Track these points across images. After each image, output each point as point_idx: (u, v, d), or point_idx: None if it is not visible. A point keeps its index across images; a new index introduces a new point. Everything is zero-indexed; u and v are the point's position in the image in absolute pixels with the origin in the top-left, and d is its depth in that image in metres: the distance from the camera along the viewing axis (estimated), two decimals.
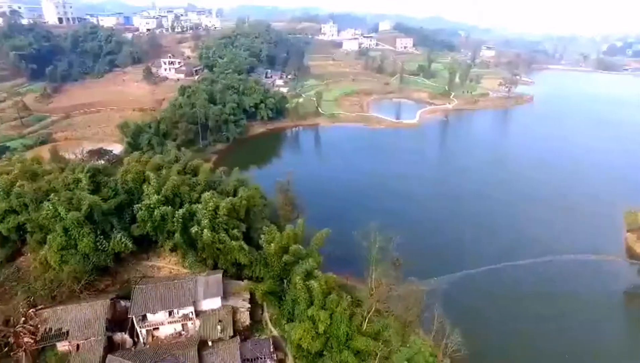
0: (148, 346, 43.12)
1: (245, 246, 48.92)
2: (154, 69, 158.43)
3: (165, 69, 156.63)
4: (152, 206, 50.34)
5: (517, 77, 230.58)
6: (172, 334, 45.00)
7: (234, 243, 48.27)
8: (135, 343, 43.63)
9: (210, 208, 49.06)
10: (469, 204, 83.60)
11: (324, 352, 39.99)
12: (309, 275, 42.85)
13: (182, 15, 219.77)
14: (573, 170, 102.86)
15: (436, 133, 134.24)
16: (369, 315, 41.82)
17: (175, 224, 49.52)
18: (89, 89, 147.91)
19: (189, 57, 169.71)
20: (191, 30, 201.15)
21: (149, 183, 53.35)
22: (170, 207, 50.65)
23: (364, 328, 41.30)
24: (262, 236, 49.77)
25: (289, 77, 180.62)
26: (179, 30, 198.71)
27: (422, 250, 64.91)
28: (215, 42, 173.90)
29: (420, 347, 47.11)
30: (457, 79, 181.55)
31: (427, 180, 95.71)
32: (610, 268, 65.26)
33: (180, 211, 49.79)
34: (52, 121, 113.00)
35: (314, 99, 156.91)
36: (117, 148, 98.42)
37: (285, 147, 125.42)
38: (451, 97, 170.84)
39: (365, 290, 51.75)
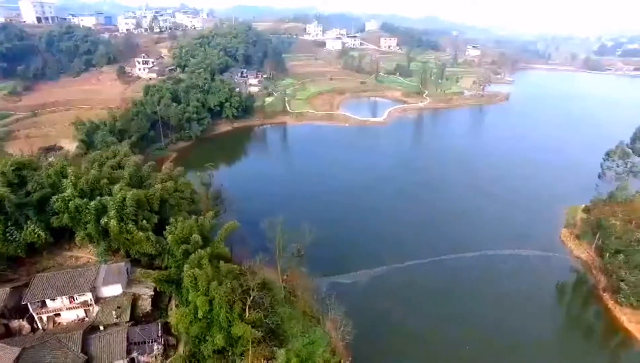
0: (45, 332, 45.02)
1: (153, 237, 50.71)
2: (128, 69, 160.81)
3: (139, 69, 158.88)
4: (67, 198, 52.37)
5: (498, 76, 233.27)
6: (74, 320, 46.91)
7: (140, 233, 50.15)
8: (34, 330, 45.53)
9: (118, 200, 50.96)
10: (409, 200, 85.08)
11: (207, 337, 41.76)
12: (199, 264, 44.63)
13: (162, 15, 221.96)
14: (522, 169, 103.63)
15: (400, 131, 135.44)
16: (250, 302, 43.43)
17: (89, 215, 51.54)
18: (64, 88, 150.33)
19: (164, 57, 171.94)
20: (170, 30, 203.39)
21: (67, 177, 55.39)
22: (85, 199, 52.68)
23: (247, 315, 42.99)
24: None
25: (264, 76, 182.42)
26: (157, 30, 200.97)
27: (348, 244, 67.35)
28: (191, 42, 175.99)
29: (319, 337, 48.73)
30: (432, 78, 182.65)
31: (370, 178, 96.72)
32: (544, 263, 66.19)
33: (93, 202, 51.73)
34: (16, 119, 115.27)
35: (286, 97, 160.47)
36: (75, 146, 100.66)
37: (246, 145, 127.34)
38: (424, 95, 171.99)
39: (277, 279, 53.83)
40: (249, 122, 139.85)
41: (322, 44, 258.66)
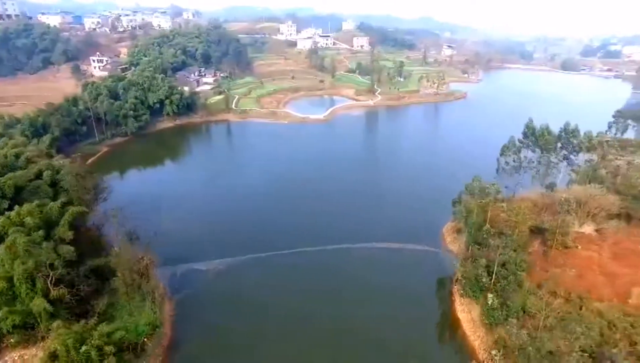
0: None
1: None
2: (84, 67, 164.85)
3: (95, 67, 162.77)
4: None
5: (466, 75, 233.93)
6: None
7: None
8: None
9: None
10: (312, 194, 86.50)
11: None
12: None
13: (127, 15, 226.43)
14: (441, 163, 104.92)
15: (336, 128, 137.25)
16: (55, 278, 45.76)
17: None
18: (18, 85, 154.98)
19: (119, 56, 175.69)
20: (132, 30, 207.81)
21: None
22: None
23: (53, 293, 45.34)
24: None
25: (221, 75, 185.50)
26: (121, 30, 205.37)
27: (229, 233, 70.55)
28: (148, 41, 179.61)
29: (145, 315, 51.01)
30: (388, 76, 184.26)
31: (281, 171, 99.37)
32: (434, 257, 66.53)
33: None
34: None
35: (236, 96, 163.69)
36: None
37: (180, 140, 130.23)
38: (376, 93, 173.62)
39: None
40: (191, 119, 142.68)
41: (294, 44, 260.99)
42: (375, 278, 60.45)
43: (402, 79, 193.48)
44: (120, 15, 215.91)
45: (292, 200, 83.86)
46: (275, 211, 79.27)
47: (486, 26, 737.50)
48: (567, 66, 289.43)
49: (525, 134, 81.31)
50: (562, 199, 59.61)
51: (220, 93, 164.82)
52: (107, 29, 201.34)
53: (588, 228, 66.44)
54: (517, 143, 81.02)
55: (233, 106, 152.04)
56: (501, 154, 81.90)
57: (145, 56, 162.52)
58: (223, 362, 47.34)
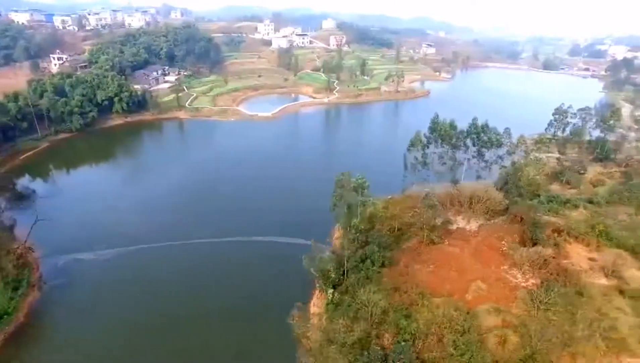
0: None
1: None
2: (44, 64, 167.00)
3: (55, 65, 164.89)
4: None
5: (437, 73, 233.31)
6: None
7: None
8: None
9: None
10: (217, 191, 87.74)
11: None
12: None
13: (97, 14, 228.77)
14: (370, 158, 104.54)
15: (279, 126, 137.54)
16: None
17: None
18: None
19: (80, 54, 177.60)
20: (104, 28, 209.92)
21: None
22: None
23: None
24: None
25: (184, 74, 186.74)
26: (89, 28, 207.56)
27: (129, 224, 72.46)
28: (112, 40, 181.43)
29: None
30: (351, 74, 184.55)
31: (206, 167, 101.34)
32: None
33: None
34: None
35: (194, 94, 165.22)
36: None
37: (123, 138, 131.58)
38: (334, 91, 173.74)
39: None
40: (143, 116, 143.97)
41: (270, 43, 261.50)
42: (251, 272, 61.42)
43: (367, 77, 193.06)
44: (89, 14, 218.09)
45: (205, 197, 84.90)
46: (184, 207, 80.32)
47: (484, 26, 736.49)
48: (548, 66, 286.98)
49: (431, 130, 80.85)
50: (425, 194, 59.41)
51: (177, 91, 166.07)
52: (76, 28, 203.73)
53: (474, 224, 66.19)
54: (423, 139, 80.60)
55: (186, 105, 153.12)
56: (408, 150, 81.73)
57: (105, 55, 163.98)
58: (64, 350, 48.26)
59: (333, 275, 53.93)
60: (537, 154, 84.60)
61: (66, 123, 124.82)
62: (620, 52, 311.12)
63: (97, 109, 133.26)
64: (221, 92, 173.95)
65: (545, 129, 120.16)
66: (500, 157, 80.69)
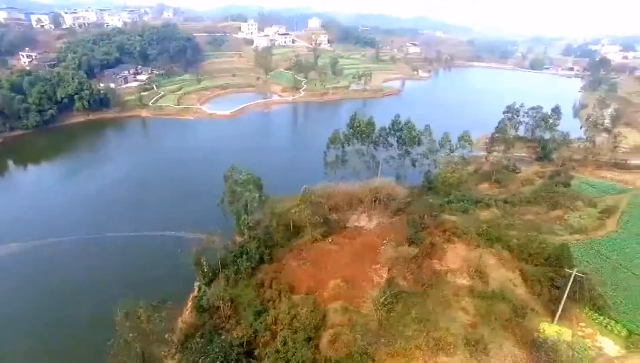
0: None
1: None
2: (14, 62, 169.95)
3: (24, 62, 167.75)
4: None
5: (416, 72, 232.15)
6: None
7: None
8: None
9: None
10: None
11: None
12: None
13: (74, 12, 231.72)
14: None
15: (232, 124, 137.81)
16: None
17: None
18: None
19: (50, 52, 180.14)
20: (81, 27, 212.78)
21: None
22: None
23: None
24: None
25: (155, 73, 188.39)
26: (66, 27, 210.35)
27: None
28: (85, 38, 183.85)
29: None
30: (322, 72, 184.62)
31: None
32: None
33: None
34: None
35: (161, 92, 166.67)
36: None
37: (80, 135, 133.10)
38: (301, 90, 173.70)
39: None
40: (105, 114, 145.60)
41: (251, 42, 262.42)
42: (147, 267, 61.71)
43: (337, 76, 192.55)
44: (66, 13, 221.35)
45: (131, 192, 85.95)
46: (107, 202, 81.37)
47: (485, 26, 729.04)
48: (534, 65, 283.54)
49: (350, 127, 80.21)
50: (303, 191, 59.12)
51: (145, 90, 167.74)
52: (52, 26, 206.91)
53: (375, 222, 65.61)
54: (341, 137, 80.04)
55: (150, 103, 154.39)
56: (328, 148, 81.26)
57: (73, 53, 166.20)
58: None
59: (205, 269, 53.99)
60: (465, 153, 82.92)
61: (22, 120, 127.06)
62: (611, 53, 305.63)
63: (56, 107, 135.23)
64: (190, 91, 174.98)
65: (496, 128, 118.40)
66: (425, 155, 79.61)
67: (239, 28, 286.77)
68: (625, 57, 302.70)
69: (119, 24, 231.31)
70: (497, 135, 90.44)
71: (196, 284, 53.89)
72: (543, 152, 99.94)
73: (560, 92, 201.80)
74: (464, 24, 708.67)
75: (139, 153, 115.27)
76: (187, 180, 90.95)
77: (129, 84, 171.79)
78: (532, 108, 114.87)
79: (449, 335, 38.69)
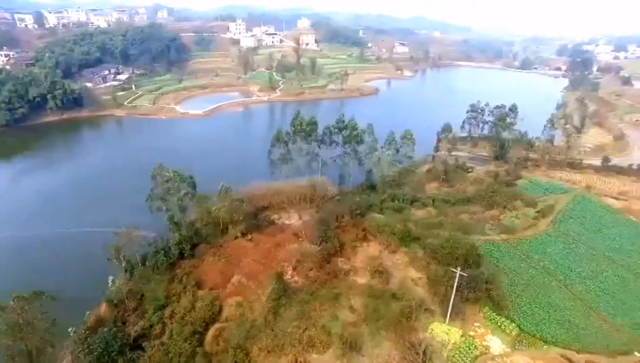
0: None
1: None
2: None
3: (2, 61, 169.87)
4: None
5: (399, 71, 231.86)
6: None
7: None
8: None
9: None
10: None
11: None
12: None
13: (58, 12, 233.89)
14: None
15: (201, 124, 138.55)
16: None
17: None
18: None
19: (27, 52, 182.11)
20: (65, 27, 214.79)
21: None
22: None
23: None
24: None
25: (136, 72, 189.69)
26: (49, 26, 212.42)
27: None
28: (65, 38, 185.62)
29: None
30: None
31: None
32: None
33: None
34: None
35: (139, 92, 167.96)
36: None
37: (49, 133, 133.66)
38: (277, 89, 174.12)
39: None
40: (79, 113, 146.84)
41: (238, 42, 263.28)
42: (63, 261, 62.29)
43: (318, 76, 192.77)
44: (50, 12, 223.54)
45: (81, 190, 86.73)
46: (54, 200, 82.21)
47: (484, 26, 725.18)
48: (524, 65, 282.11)
49: (293, 126, 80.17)
50: (220, 188, 59.32)
51: (123, 90, 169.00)
52: (35, 26, 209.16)
53: (304, 219, 65.55)
54: (284, 136, 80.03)
55: (125, 103, 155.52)
56: (272, 146, 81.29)
57: (52, 52, 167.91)
58: None
59: (124, 264, 54.48)
60: (411, 151, 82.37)
61: None
62: (603, 53, 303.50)
63: (28, 106, 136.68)
64: (169, 91, 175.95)
65: (461, 127, 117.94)
66: (365, 154, 79.51)
67: (228, 28, 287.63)
68: (616, 58, 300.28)
69: (103, 24, 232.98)
70: (442, 134, 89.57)
71: (110, 278, 54.20)
72: (500, 151, 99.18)
73: (544, 92, 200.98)
74: (463, 24, 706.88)
75: (100, 152, 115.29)
76: (139, 178, 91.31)
77: (107, 84, 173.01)
78: (497, 107, 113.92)
79: (323, 333, 38.63)
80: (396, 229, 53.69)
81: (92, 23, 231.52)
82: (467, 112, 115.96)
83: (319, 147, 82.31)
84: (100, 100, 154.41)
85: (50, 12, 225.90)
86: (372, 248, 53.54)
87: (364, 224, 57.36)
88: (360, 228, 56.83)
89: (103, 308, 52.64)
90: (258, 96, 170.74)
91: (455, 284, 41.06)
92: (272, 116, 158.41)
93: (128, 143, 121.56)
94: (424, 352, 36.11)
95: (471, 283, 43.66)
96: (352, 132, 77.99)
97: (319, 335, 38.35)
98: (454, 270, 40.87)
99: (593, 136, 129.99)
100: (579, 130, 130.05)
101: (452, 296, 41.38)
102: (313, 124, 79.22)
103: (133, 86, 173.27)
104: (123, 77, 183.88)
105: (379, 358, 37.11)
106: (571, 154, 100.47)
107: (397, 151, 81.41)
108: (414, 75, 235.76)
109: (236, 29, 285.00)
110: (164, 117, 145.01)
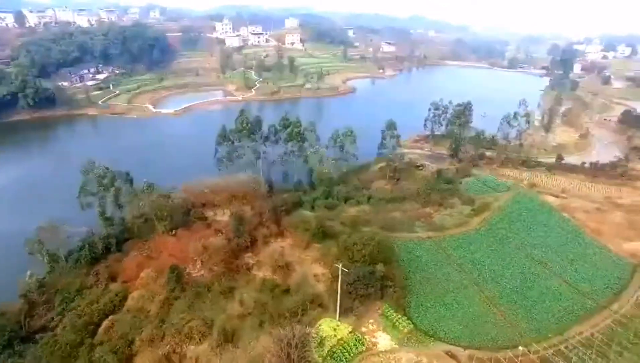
0: None
1: None
2: None
3: None
4: None
5: (381, 70, 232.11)
6: None
7: None
8: None
9: None
10: None
11: None
12: None
13: (40, 12, 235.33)
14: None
15: (170, 123, 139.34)
16: None
17: None
18: None
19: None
20: (46, 26, 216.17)
21: None
22: None
23: None
24: None
25: (116, 72, 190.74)
26: (29, 26, 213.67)
27: None
28: (44, 37, 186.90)
29: None
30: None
31: None
32: None
33: None
34: None
35: (117, 91, 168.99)
36: None
37: (14, 132, 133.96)
38: (253, 89, 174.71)
39: None
40: (52, 112, 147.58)
41: (223, 42, 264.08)
42: None
43: (296, 75, 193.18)
44: (31, 11, 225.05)
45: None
46: None
47: (482, 26, 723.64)
48: (511, 64, 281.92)
49: (237, 124, 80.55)
50: (144, 183, 59.81)
51: (100, 89, 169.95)
52: (16, 25, 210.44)
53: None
54: (228, 133, 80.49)
55: (100, 102, 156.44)
56: (217, 144, 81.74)
57: (29, 51, 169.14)
58: None
59: (46, 259, 55.21)
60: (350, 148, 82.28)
61: None
62: (592, 53, 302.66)
63: None
64: (147, 90, 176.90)
65: (424, 125, 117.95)
66: (304, 151, 79.79)
67: (214, 28, 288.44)
68: (605, 57, 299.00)
69: (85, 24, 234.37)
70: (387, 132, 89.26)
71: (28, 273, 54.74)
72: (455, 149, 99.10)
73: (524, 91, 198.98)
74: (462, 23, 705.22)
75: (59, 150, 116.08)
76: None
77: (85, 83, 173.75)
78: (458, 105, 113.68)
79: (204, 324, 39.03)
80: (309, 226, 53.85)
81: (74, 22, 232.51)
82: (429, 110, 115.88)
83: (265, 145, 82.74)
84: (75, 99, 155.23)
85: (31, 12, 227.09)
86: (285, 244, 53.84)
87: (283, 221, 57.69)
88: (278, 224, 57.16)
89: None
90: (233, 96, 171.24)
91: (340, 280, 41.25)
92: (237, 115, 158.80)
93: (91, 142, 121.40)
94: (298, 347, 36.25)
95: (361, 280, 43.79)
96: (293, 130, 78.21)
97: (199, 327, 38.76)
98: (337, 266, 41.03)
99: (560, 135, 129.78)
100: (546, 128, 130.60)
101: (339, 292, 41.55)
102: (257, 123, 79.64)
103: (111, 86, 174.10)
104: (102, 76, 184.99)
105: (254, 351, 37.33)
106: (527, 152, 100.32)
107: (342, 149, 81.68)
108: (396, 74, 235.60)
109: (222, 28, 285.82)
110: (135, 116, 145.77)
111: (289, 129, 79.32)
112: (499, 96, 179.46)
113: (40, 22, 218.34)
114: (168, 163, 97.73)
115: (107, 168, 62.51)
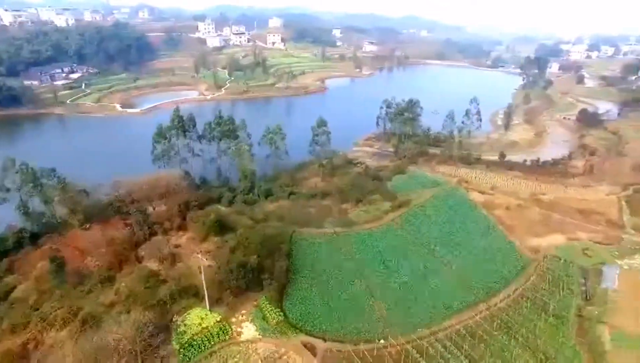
0: None
1: None
2: None
3: None
4: None
5: (358, 69, 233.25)
6: None
7: None
8: None
9: None
10: None
11: None
12: None
13: (16, 10, 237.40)
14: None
15: (134, 122, 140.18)
16: None
17: None
18: None
19: None
20: (22, 25, 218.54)
21: None
22: None
23: None
24: None
25: (89, 71, 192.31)
26: (2, 24, 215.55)
27: None
28: (16, 36, 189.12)
29: None
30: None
31: None
32: None
33: None
34: None
35: (88, 90, 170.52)
36: None
37: None
38: (223, 88, 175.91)
39: None
40: (18, 111, 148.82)
41: (205, 42, 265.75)
42: None
43: (267, 74, 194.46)
44: (6, 10, 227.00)
45: None
46: None
47: (476, 26, 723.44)
48: (493, 64, 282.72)
49: (172, 122, 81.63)
50: (58, 178, 61.05)
51: (71, 88, 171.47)
52: None
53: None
54: (165, 130, 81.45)
55: (68, 101, 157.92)
56: (155, 141, 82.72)
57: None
58: None
59: None
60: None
61: None
62: (575, 52, 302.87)
63: None
64: (120, 90, 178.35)
65: (376, 123, 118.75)
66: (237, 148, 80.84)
67: (197, 28, 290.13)
68: (589, 57, 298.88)
69: (62, 24, 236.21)
70: (318, 129, 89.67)
71: None
72: (397, 146, 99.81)
73: (498, 89, 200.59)
74: (457, 23, 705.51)
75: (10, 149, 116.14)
76: None
77: (56, 82, 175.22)
78: (410, 102, 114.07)
79: (69, 312, 40.22)
80: (207, 219, 54.89)
81: (51, 22, 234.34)
82: (381, 108, 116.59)
83: (200, 142, 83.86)
84: (42, 98, 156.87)
85: (6, 10, 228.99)
86: (183, 237, 54.83)
87: (188, 216, 58.79)
88: (184, 218, 58.24)
89: None
90: (203, 95, 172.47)
91: (202, 271, 42.26)
92: (205, 114, 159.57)
93: (40, 142, 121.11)
94: (152, 334, 37.49)
95: (233, 272, 44.73)
96: (224, 128, 79.22)
97: (64, 314, 39.88)
98: (198, 255, 42.06)
99: (519, 133, 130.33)
100: (505, 126, 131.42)
101: (204, 282, 42.56)
102: (191, 120, 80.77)
103: (83, 85, 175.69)
104: (75, 76, 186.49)
105: (112, 337, 38.21)
106: (476, 149, 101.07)
107: (275, 146, 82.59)
108: (373, 73, 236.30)
109: (205, 29, 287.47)
110: (102, 115, 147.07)
111: (220, 127, 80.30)
112: (471, 94, 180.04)
113: (15, 21, 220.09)
114: (115, 160, 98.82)
115: (25, 164, 63.52)
